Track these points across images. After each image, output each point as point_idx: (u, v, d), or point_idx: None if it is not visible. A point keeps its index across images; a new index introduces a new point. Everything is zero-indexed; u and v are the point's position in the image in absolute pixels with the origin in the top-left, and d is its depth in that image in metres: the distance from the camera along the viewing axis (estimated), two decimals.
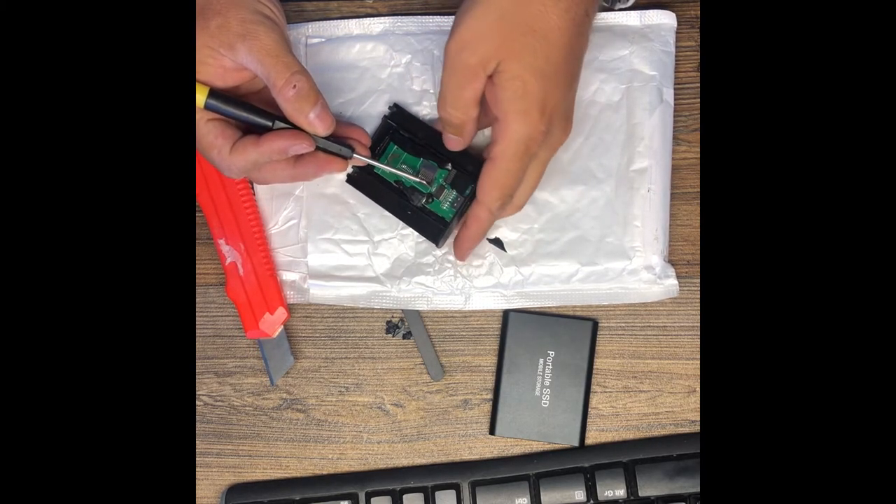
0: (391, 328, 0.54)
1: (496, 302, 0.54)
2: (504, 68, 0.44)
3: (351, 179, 0.53)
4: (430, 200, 0.52)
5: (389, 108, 0.53)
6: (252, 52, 0.45)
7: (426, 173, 0.52)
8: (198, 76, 0.46)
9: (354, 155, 0.49)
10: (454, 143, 0.50)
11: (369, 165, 0.51)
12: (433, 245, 0.53)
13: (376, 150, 0.52)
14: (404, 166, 0.52)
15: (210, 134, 0.46)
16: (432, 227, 0.52)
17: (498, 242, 0.53)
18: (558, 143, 0.48)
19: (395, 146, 0.52)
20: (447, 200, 0.52)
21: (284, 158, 0.47)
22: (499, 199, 0.48)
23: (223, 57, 0.45)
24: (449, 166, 0.52)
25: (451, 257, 0.53)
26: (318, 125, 0.46)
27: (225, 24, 0.45)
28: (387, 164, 0.51)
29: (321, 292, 0.54)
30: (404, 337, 0.54)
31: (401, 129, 0.53)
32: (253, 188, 0.54)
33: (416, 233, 0.53)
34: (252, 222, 0.53)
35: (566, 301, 0.54)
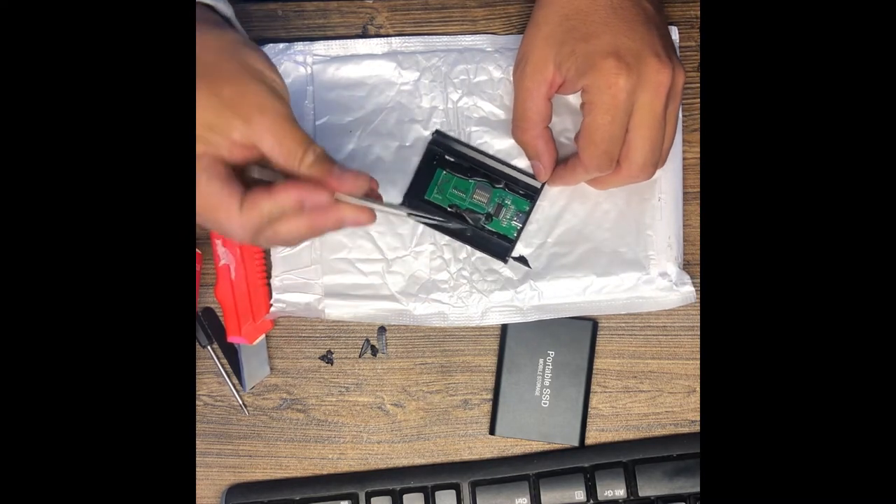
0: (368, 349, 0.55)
1: (512, 316, 0.53)
2: (563, 58, 0.47)
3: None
4: (490, 220, 0.53)
5: (432, 134, 0.53)
6: (270, 127, 0.41)
7: (481, 194, 0.53)
8: (207, 148, 0.41)
9: (383, 206, 0.46)
10: (538, 170, 0.51)
11: (418, 193, 0.53)
12: (446, 262, 0.53)
13: (423, 177, 0.53)
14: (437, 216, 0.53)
15: (214, 193, 0.41)
16: (497, 246, 0.53)
17: (522, 260, 0.53)
18: (661, 81, 0.46)
19: (444, 172, 0.53)
20: (506, 218, 0.53)
21: (300, 210, 0.42)
22: (596, 157, 0.47)
23: (234, 129, 0.41)
24: (503, 185, 0.53)
25: (466, 273, 0.53)
26: (350, 182, 0.43)
27: (241, 93, 0.41)
28: (437, 191, 0.53)
29: (337, 311, 0.53)
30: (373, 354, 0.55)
31: (446, 154, 0.53)
32: None
33: (430, 249, 0.53)
34: None
35: (582, 312, 0.53)
